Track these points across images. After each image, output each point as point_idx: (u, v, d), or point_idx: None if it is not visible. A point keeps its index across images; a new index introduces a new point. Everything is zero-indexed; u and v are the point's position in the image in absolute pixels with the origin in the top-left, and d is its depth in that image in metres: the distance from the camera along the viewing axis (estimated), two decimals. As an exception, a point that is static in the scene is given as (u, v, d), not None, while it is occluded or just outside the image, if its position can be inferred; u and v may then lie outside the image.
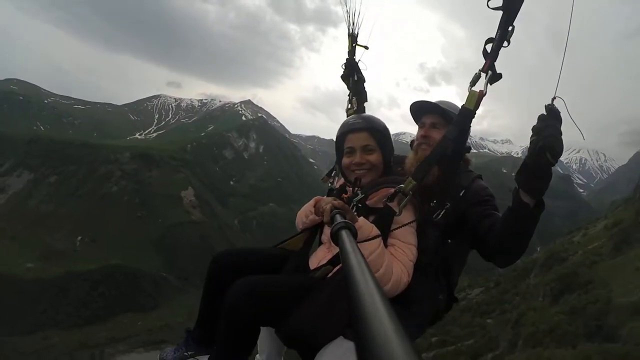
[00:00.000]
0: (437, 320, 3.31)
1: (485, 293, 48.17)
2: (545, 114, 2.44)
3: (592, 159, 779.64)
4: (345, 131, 3.20)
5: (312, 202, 3.19)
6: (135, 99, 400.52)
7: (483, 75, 2.68)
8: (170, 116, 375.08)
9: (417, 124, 3.52)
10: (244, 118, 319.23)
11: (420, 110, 3.47)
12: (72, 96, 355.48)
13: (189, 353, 3.17)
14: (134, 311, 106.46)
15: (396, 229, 2.78)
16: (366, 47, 4.07)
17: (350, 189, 3.15)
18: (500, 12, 2.58)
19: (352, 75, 4.08)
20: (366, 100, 4.05)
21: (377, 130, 3.12)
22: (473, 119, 2.81)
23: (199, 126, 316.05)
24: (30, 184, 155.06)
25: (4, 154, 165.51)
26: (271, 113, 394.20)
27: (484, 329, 34.06)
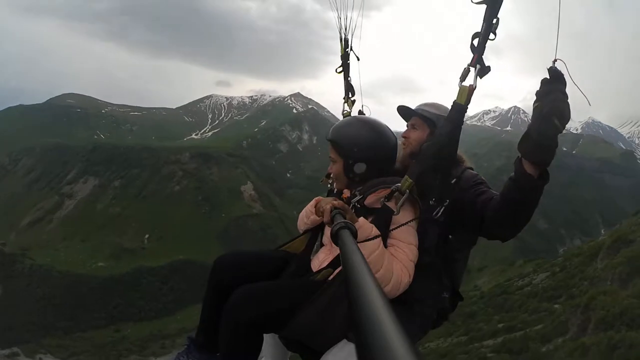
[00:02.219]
0: (443, 321, 3.28)
1: (550, 278, 46.21)
2: (548, 77, 2.35)
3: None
4: None
5: (312, 202, 3.20)
6: (188, 101, 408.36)
7: (472, 69, 2.66)
8: (223, 115, 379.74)
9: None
10: (294, 111, 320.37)
11: (402, 113, 3.53)
12: (128, 104, 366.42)
13: None
14: (201, 302, 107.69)
15: (396, 228, 2.77)
16: (357, 58, 4.14)
17: (349, 189, 3.17)
18: (484, 6, 2.57)
19: (346, 77, 4.15)
20: (354, 94, 4.17)
21: (335, 142, 3.11)
22: (465, 114, 2.79)
23: (252, 122, 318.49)
24: (96, 189, 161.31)
25: (69, 163, 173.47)
26: (321, 103, 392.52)
27: (552, 314, 32.73)
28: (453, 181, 3.00)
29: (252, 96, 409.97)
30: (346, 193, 3.18)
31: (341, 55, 4.14)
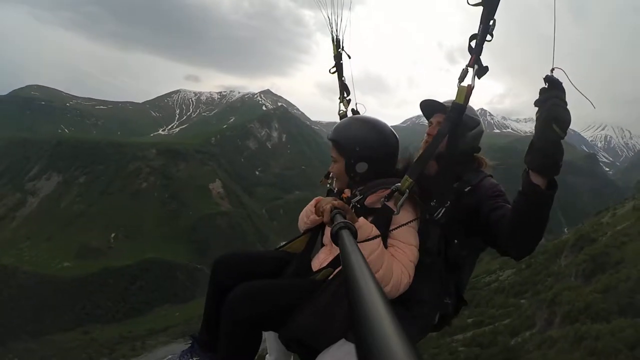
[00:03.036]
0: (444, 326, 3.29)
1: (517, 274, 47.98)
2: (546, 85, 2.32)
3: (617, 137, 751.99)
4: None
5: (312, 202, 3.19)
6: (155, 96, 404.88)
7: (470, 70, 2.68)
8: (191, 110, 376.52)
9: (427, 121, 3.46)
10: (264, 108, 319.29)
11: (428, 108, 3.43)
12: (93, 97, 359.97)
13: (195, 359, 3.10)
14: (171, 302, 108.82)
15: (396, 228, 2.76)
16: (349, 56, 4.17)
17: (349, 189, 3.18)
18: (481, 8, 2.59)
19: (340, 77, 4.19)
20: (349, 94, 4.19)
21: (337, 141, 3.12)
22: (464, 112, 2.80)
23: (221, 118, 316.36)
24: (60, 186, 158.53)
25: (31, 158, 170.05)
26: (291, 101, 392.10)
27: (519, 309, 34.18)
28: (467, 189, 3.04)
29: (221, 92, 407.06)
30: (346, 193, 3.22)
31: (334, 56, 4.18)
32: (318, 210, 2.72)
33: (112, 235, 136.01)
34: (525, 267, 47.89)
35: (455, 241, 2.95)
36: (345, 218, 2.25)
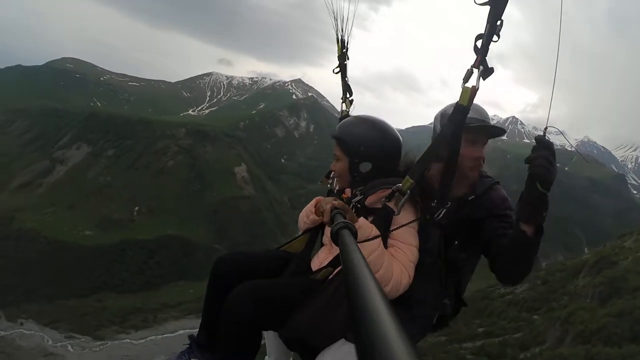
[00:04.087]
0: (443, 326, 3.32)
1: (532, 290, 47.09)
2: (536, 144, 2.59)
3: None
4: None
5: (312, 202, 3.26)
6: (188, 76, 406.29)
7: (475, 71, 2.67)
8: (222, 93, 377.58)
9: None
10: (294, 97, 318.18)
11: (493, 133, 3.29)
12: (127, 73, 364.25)
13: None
14: (186, 279, 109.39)
15: (396, 229, 2.79)
16: (348, 57, 4.13)
17: (350, 189, 3.21)
18: (488, 7, 2.57)
19: (344, 77, 4.10)
20: (352, 94, 4.13)
21: (341, 139, 3.16)
22: (467, 114, 2.78)
23: (250, 104, 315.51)
24: (88, 157, 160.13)
25: (63, 128, 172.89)
26: (321, 92, 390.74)
27: (531, 324, 33.60)
28: (471, 198, 3.06)
29: (252, 77, 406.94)
30: (347, 193, 3.21)
31: (338, 56, 4.13)
32: (318, 210, 2.81)
33: (135, 209, 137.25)
34: (541, 283, 47.12)
35: (456, 242, 3.02)
36: (345, 218, 2.27)
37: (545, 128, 2.64)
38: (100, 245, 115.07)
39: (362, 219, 2.64)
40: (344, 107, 4.06)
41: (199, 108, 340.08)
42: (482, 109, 3.15)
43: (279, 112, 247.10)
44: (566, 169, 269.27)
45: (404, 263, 2.68)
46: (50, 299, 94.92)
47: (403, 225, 2.75)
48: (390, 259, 2.64)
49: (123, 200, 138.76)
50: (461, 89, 2.70)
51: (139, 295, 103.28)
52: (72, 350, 78.56)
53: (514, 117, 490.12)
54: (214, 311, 2.96)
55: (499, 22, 2.55)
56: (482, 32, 2.60)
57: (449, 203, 2.78)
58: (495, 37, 2.58)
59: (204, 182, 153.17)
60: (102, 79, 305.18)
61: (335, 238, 1.94)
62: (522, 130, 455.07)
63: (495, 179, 3.31)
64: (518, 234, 2.68)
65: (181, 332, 79.37)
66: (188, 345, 3.19)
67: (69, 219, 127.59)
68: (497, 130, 3.21)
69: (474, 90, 2.64)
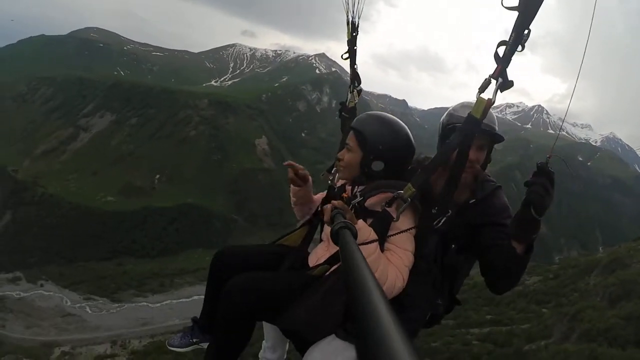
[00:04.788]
0: (435, 324, 3.34)
1: (542, 283, 46.49)
2: (537, 170, 2.57)
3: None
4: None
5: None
6: (211, 47, 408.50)
7: (493, 81, 2.55)
8: (245, 65, 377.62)
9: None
10: (317, 71, 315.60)
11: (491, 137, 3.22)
12: (150, 43, 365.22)
13: (195, 340, 3.37)
14: (204, 247, 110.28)
15: (394, 234, 2.81)
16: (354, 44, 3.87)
17: (350, 188, 3.17)
18: (516, 13, 2.45)
19: (353, 64, 3.87)
20: (360, 82, 3.93)
21: (361, 133, 3.10)
22: (479, 126, 2.72)
23: (273, 77, 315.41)
24: (112, 125, 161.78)
25: (87, 97, 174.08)
26: (345, 68, 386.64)
27: (540, 317, 33.30)
28: (472, 202, 3.04)
29: (276, 50, 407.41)
30: (347, 192, 3.11)
31: (348, 40, 3.87)
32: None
33: (157, 177, 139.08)
34: (553, 277, 46.67)
35: (453, 246, 2.98)
36: (345, 218, 2.28)
37: (548, 157, 2.58)
38: (121, 211, 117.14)
39: (360, 222, 2.63)
40: (350, 98, 3.90)
41: (222, 79, 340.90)
42: (491, 113, 2.92)
43: (301, 86, 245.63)
44: (589, 164, 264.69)
45: (399, 267, 2.70)
46: (70, 262, 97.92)
47: (401, 232, 2.77)
48: (386, 263, 2.67)
49: (145, 168, 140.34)
50: (476, 99, 2.62)
51: (157, 260, 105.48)
52: (89, 311, 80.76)
53: (540, 105, 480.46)
54: (214, 299, 3.07)
55: (526, 32, 2.41)
56: (506, 39, 2.46)
57: (450, 212, 2.76)
58: (519, 47, 2.45)
59: (225, 152, 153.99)
60: (125, 48, 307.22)
61: (335, 237, 1.95)
62: (548, 120, 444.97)
63: (497, 183, 3.23)
64: (508, 249, 2.74)
65: (196, 297, 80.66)
66: (191, 327, 3.41)
67: (92, 185, 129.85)
68: (499, 138, 3.13)
69: (490, 103, 2.56)
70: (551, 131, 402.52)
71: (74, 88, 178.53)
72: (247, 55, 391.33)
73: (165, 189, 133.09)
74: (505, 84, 2.52)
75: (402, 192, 2.72)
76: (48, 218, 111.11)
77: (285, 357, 3.70)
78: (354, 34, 3.85)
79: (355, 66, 3.89)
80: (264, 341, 3.64)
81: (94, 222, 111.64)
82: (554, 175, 2.53)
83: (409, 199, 2.70)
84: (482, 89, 2.57)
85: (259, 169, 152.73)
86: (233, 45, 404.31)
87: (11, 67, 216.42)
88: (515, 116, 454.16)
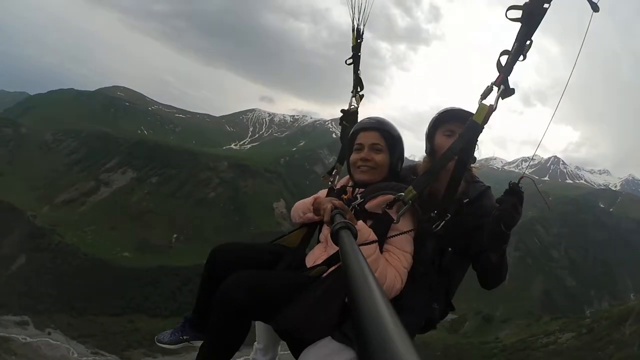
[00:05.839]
0: (430, 329, 3.34)
1: (577, 339, 45.18)
2: (508, 189, 2.72)
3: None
4: (357, 129, 3.33)
5: (311, 199, 3.31)
6: (232, 112, 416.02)
7: (495, 88, 2.62)
8: (263, 130, 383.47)
9: (438, 129, 3.41)
10: (334, 135, 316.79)
11: (452, 118, 3.32)
12: (174, 105, 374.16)
13: (185, 337, 3.42)
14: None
15: (393, 236, 2.83)
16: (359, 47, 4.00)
17: (350, 189, 3.26)
18: (519, 25, 2.51)
19: (356, 70, 3.97)
20: (363, 88, 3.99)
21: (388, 132, 3.22)
22: (481, 133, 2.76)
23: (291, 141, 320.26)
24: (133, 182, 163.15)
25: (111, 152, 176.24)
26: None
27: None
28: (466, 201, 3.07)
29: (293, 115, 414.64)
30: (348, 194, 3.22)
31: (352, 47, 3.99)
32: (317, 210, 2.88)
33: (174, 236, 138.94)
34: (586, 331, 45.36)
35: (450, 249, 3.08)
36: (345, 219, 2.29)
37: (521, 177, 2.76)
38: (137, 267, 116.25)
39: (360, 223, 2.67)
40: (354, 103, 3.96)
41: (241, 142, 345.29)
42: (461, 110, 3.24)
43: (318, 150, 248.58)
44: (611, 210, 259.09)
45: (398, 269, 2.72)
46: (81, 313, 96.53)
47: (401, 233, 2.80)
48: (385, 264, 2.68)
49: (163, 226, 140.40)
50: (477, 105, 2.67)
51: (169, 320, 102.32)
52: (97, 367, 78.18)
53: (555, 156, 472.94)
54: (207, 296, 3.06)
55: (528, 42, 2.49)
56: (509, 48, 2.54)
57: (449, 215, 2.79)
58: (521, 57, 2.53)
59: (243, 215, 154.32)
60: (150, 108, 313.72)
61: (336, 238, 1.94)
62: (565, 170, 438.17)
63: (486, 184, 3.39)
64: (485, 261, 2.99)
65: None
66: (182, 324, 3.48)
67: (109, 239, 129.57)
68: (467, 114, 3.02)
69: (491, 109, 2.61)
70: (569, 181, 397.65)
71: (99, 143, 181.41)
72: (265, 120, 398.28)
73: (182, 249, 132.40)
74: (507, 92, 2.58)
75: (403, 194, 2.78)
76: (62, 266, 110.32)
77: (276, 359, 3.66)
78: (359, 40, 3.97)
79: (359, 72, 3.99)
80: (255, 343, 3.61)
81: (108, 275, 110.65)
82: (523, 195, 2.67)
83: (410, 202, 2.76)
84: (484, 95, 2.65)
85: (277, 232, 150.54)
86: (252, 110, 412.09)
87: (40, 115, 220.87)
88: (532, 170, 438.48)
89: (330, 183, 3.67)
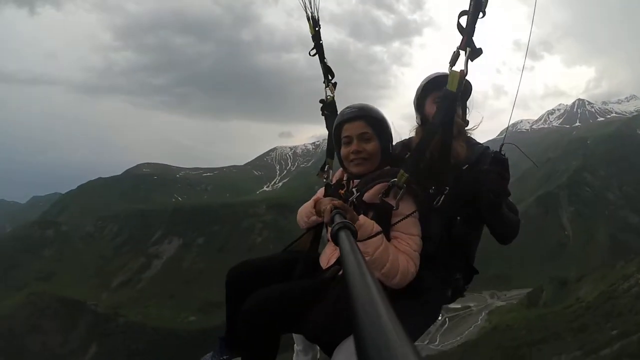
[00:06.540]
0: (459, 296, 3.32)
1: None
2: (492, 159, 2.78)
3: None
4: (341, 121, 3.19)
5: (311, 202, 3.30)
6: (255, 156, 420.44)
7: (462, 52, 2.57)
8: (290, 164, 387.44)
9: (427, 99, 3.34)
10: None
11: (437, 85, 3.13)
12: (200, 166, 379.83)
13: (224, 357, 3.35)
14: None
15: (397, 222, 2.81)
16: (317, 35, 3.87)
17: (346, 183, 3.22)
18: None
19: (322, 59, 3.86)
20: (334, 76, 3.85)
21: (373, 118, 3.12)
22: (457, 100, 2.80)
23: (319, 167, 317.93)
24: (181, 248, 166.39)
25: (153, 226, 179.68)
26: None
27: None
28: (465, 167, 3.03)
29: (314, 142, 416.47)
30: (345, 188, 3.16)
31: (312, 36, 3.85)
32: (318, 211, 2.89)
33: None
34: None
35: (458, 218, 3.01)
36: (345, 218, 2.29)
37: (501, 145, 2.87)
38: (205, 328, 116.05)
39: (362, 217, 2.67)
40: (329, 92, 3.86)
41: (272, 183, 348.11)
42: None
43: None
44: (638, 131, 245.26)
45: (409, 253, 2.72)
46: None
47: (404, 218, 2.77)
48: (395, 252, 2.68)
49: (219, 282, 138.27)
50: (448, 73, 2.64)
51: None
52: None
53: (579, 99, 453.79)
54: (235, 315, 2.99)
55: None
56: (466, 8, 2.49)
57: (447, 188, 2.79)
58: (480, 14, 2.47)
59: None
60: (178, 175, 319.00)
61: (336, 239, 1.93)
62: (592, 109, 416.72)
63: (485, 145, 3.29)
64: (491, 229, 3.15)
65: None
66: (219, 345, 3.38)
67: (172, 308, 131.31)
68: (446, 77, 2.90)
69: (463, 74, 2.59)
70: (600, 118, 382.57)
71: (139, 220, 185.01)
72: (289, 155, 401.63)
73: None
74: (475, 53, 2.51)
75: (396, 179, 2.76)
76: (134, 345, 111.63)
77: (318, 357, 3.64)
78: (317, 28, 3.85)
79: (325, 60, 3.85)
80: (295, 345, 3.61)
81: (180, 343, 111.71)
82: (508, 161, 2.74)
83: (404, 185, 2.74)
84: (452, 62, 2.59)
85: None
86: (274, 149, 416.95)
87: (74, 211, 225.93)
88: (561, 120, 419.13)
89: (325, 180, 3.63)
